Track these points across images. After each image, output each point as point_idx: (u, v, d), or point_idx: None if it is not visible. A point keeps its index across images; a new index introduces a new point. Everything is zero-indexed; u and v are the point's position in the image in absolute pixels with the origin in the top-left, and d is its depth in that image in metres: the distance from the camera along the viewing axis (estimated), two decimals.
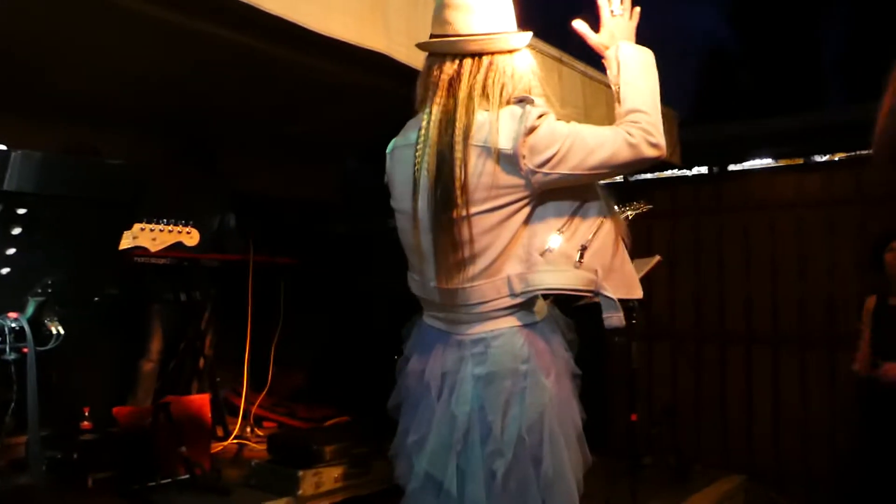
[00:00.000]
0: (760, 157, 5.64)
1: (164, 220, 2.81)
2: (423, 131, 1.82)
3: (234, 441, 4.32)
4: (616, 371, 5.17)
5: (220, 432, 4.36)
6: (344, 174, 6.15)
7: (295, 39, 2.94)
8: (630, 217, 3.68)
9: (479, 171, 1.71)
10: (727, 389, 5.47)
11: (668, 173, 5.81)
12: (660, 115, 1.79)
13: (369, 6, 2.83)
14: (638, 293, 1.79)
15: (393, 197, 1.95)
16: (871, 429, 3.93)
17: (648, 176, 5.91)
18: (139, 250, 2.79)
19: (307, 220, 5.87)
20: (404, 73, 3.06)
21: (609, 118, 4.30)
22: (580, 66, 4.11)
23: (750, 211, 5.43)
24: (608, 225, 1.82)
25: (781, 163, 5.60)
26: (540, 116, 1.73)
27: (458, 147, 1.72)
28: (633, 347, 3.79)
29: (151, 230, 2.75)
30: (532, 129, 1.70)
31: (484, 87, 1.78)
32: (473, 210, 1.72)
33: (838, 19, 13.80)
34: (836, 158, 5.45)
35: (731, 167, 5.79)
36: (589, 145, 1.73)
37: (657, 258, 3.83)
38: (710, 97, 14.04)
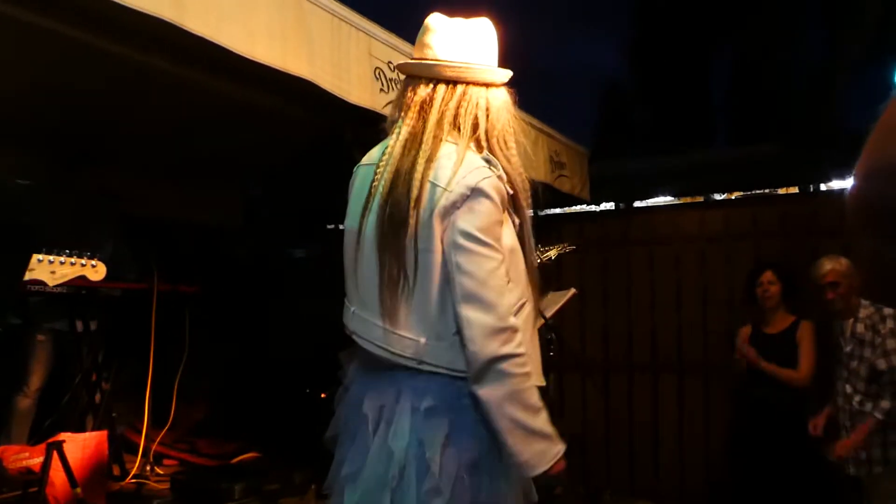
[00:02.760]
0: (664, 194, 5.86)
1: (67, 252, 2.59)
2: (388, 149, 1.78)
3: (133, 481, 4.08)
4: None
5: (116, 471, 4.11)
6: (247, 198, 5.98)
7: (202, 61, 2.85)
8: (553, 257, 3.73)
9: (429, 204, 1.67)
10: (634, 417, 5.59)
11: (577, 208, 5.95)
12: None
13: (293, 32, 2.78)
14: (541, 382, 1.72)
15: (346, 215, 1.87)
16: (745, 442, 4.22)
17: (558, 211, 6.03)
18: (35, 284, 2.56)
19: (210, 246, 5.68)
20: (316, 100, 3.03)
21: (525, 155, 4.44)
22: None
23: (655, 245, 5.61)
24: (528, 308, 1.74)
25: (684, 200, 5.83)
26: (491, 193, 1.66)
27: (419, 169, 1.68)
28: (551, 379, 3.82)
29: (51, 262, 2.52)
30: (480, 193, 1.65)
31: (455, 116, 1.75)
32: (419, 242, 1.66)
33: (724, 63, 14.64)
34: (734, 197, 5.73)
35: (637, 203, 5.98)
36: (487, 280, 1.61)
37: (572, 291, 3.90)
38: (610, 132, 14.60)
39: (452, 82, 1.78)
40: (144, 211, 4.91)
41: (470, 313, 1.59)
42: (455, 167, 1.67)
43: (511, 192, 1.76)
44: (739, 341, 4.31)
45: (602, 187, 5.72)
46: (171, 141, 4.50)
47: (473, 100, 1.78)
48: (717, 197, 5.80)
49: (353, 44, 3.12)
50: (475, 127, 1.77)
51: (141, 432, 4.29)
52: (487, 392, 1.58)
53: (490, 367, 1.57)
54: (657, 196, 5.92)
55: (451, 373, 1.65)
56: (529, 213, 1.82)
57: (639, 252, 5.66)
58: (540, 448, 1.60)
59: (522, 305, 1.70)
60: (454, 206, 1.64)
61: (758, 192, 5.69)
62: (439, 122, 1.74)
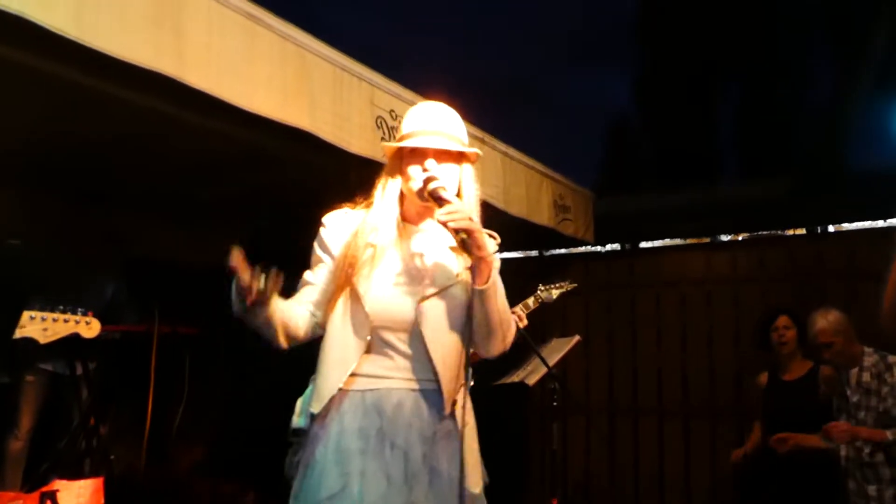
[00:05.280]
0: (670, 234, 5.83)
1: (60, 308, 2.56)
2: None
3: None
4: (535, 447, 5.15)
5: None
6: (251, 240, 5.95)
7: (206, 106, 2.85)
8: (555, 297, 3.71)
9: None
10: (640, 463, 5.51)
11: (582, 249, 5.93)
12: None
13: (294, 84, 2.80)
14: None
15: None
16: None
17: (562, 251, 6.01)
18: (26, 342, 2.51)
19: (211, 288, 5.65)
20: (320, 143, 3.03)
21: (528, 198, 4.46)
22: (501, 145, 4.18)
23: (661, 287, 5.57)
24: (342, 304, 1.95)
25: (690, 241, 5.80)
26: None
27: None
28: (554, 429, 3.77)
29: (43, 319, 2.49)
30: None
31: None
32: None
33: (731, 99, 14.70)
34: (740, 238, 5.70)
35: (643, 244, 5.95)
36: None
37: (576, 339, 3.86)
38: (616, 169, 14.61)
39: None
40: (146, 252, 4.90)
41: None
42: None
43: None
44: (755, 388, 4.19)
45: (607, 227, 5.69)
46: (174, 184, 4.50)
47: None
48: (724, 238, 5.77)
49: (354, 93, 3.14)
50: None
51: (139, 473, 4.24)
52: None
53: None
54: (663, 237, 5.89)
55: None
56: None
57: (644, 294, 5.62)
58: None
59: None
60: None
61: (765, 233, 5.66)
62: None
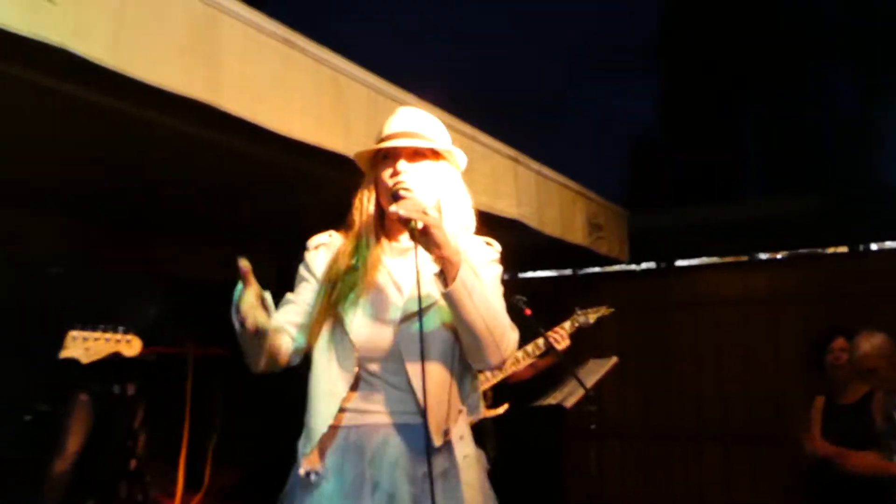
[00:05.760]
0: (706, 253, 5.75)
1: (101, 327, 2.60)
2: None
3: None
4: (571, 471, 5.07)
5: None
6: (284, 260, 5.99)
7: (242, 129, 2.86)
8: (592, 321, 3.66)
9: None
10: (676, 489, 5.39)
11: (617, 267, 5.86)
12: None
13: (329, 107, 2.80)
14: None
15: None
16: None
17: (596, 270, 5.95)
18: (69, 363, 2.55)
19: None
20: (356, 167, 3.02)
21: (562, 217, 4.41)
22: (534, 164, 4.15)
23: (697, 307, 5.48)
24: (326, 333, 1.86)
25: (727, 259, 5.71)
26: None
27: None
28: (592, 456, 3.71)
29: (85, 339, 2.53)
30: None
31: None
32: None
33: (756, 115, 14.54)
34: (779, 256, 5.59)
35: (679, 262, 5.87)
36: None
37: (614, 360, 3.80)
38: (645, 186, 14.50)
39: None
40: (181, 274, 4.94)
41: None
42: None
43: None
44: (813, 419, 4.06)
45: (642, 244, 5.62)
46: (210, 206, 4.54)
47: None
48: (762, 256, 5.66)
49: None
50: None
51: (175, 497, 4.24)
52: None
53: None
54: (699, 255, 5.80)
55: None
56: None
57: (680, 314, 5.54)
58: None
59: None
60: None
61: (804, 251, 5.54)
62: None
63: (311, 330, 1.79)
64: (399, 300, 1.75)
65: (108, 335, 2.63)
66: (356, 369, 1.71)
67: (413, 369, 1.68)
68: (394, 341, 1.71)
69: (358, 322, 1.72)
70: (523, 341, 3.51)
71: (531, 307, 3.42)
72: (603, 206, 5.04)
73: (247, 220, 4.80)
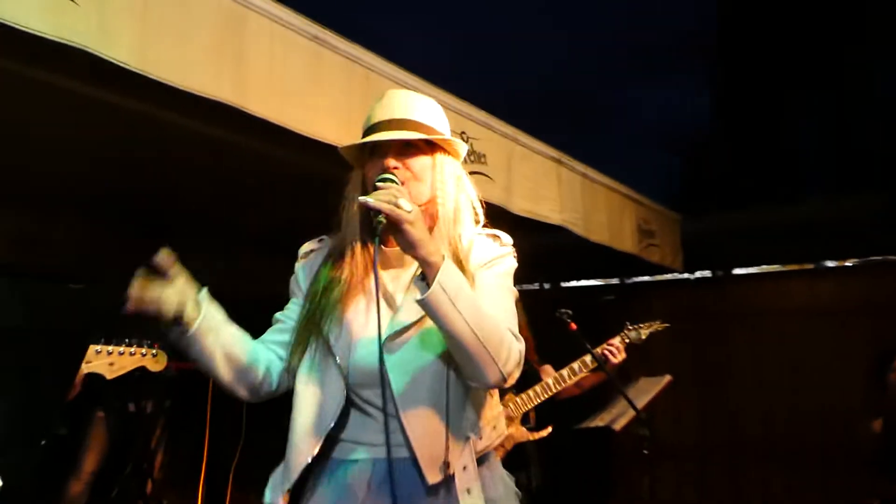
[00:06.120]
0: (767, 260, 5.68)
1: (126, 341, 2.65)
2: None
3: None
4: (621, 497, 5.05)
5: None
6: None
7: (268, 131, 2.91)
8: (644, 338, 3.64)
9: None
10: None
11: (668, 276, 5.82)
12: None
13: (359, 108, 2.81)
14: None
15: None
16: None
17: (645, 278, 5.92)
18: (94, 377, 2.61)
19: (266, 321, 5.74)
20: None
21: (610, 223, 4.40)
22: (579, 166, 4.14)
23: (757, 318, 5.42)
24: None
25: (790, 267, 5.64)
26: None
27: None
28: (644, 482, 3.69)
29: (109, 353, 2.57)
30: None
31: None
32: None
33: (818, 106, 14.32)
34: (848, 264, 5.51)
35: (737, 271, 5.82)
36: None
37: (667, 378, 3.77)
38: (699, 188, 14.36)
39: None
40: (208, 286, 4.98)
41: None
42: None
43: None
44: (867, 438, 4.00)
45: (695, 251, 5.57)
46: (237, 214, 4.60)
47: None
48: (829, 264, 5.58)
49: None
50: None
51: None
52: None
53: None
54: (759, 263, 5.74)
55: None
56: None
57: (739, 327, 5.48)
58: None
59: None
60: None
61: (876, 258, 5.45)
62: None
63: (292, 351, 1.71)
64: (390, 315, 1.65)
65: (132, 349, 2.68)
66: (345, 396, 1.60)
67: (401, 395, 1.58)
68: (382, 360, 1.56)
69: (344, 342, 1.62)
70: (569, 357, 3.51)
71: (576, 321, 3.42)
72: (654, 210, 5.01)
73: (275, 229, 4.85)
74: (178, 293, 1.61)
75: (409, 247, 1.51)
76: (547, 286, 6.70)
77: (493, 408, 1.76)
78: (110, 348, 2.61)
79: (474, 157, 3.37)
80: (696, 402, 5.57)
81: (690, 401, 5.56)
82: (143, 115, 2.94)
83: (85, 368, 2.53)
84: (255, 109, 2.48)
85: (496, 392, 1.77)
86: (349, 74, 2.83)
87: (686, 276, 5.83)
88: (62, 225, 4.22)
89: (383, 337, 1.57)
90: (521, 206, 3.65)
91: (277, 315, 1.81)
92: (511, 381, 1.62)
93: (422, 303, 1.50)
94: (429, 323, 1.59)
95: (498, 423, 1.75)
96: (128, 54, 2.09)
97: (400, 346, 1.62)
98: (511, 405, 3.36)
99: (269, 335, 1.78)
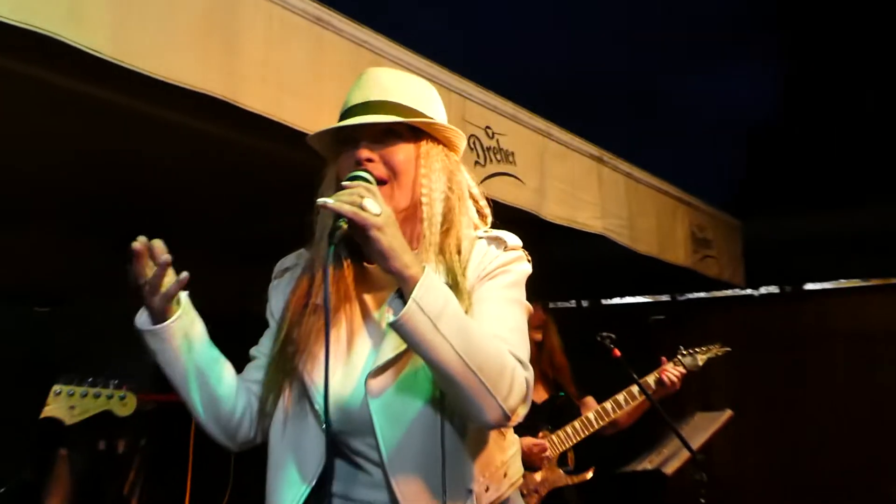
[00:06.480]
0: (845, 274, 5.67)
1: (90, 381, 2.65)
2: None
3: None
4: None
5: None
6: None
7: (265, 128, 2.95)
8: (701, 364, 3.66)
9: None
10: None
11: (728, 292, 5.83)
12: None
13: None
14: None
15: None
16: None
17: (701, 295, 5.92)
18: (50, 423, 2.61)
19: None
20: None
21: (659, 231, 4.42)
22: (623, 165, 4.17)
23: (836, 341, 5.42)
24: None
25: (873, 282, 5.63)
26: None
27: None
28: None
29: (70, 394, 2.58)
30: None
31: None
32: None
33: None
34: None
35: (809, 286, 5.81)
36: None
37: (727, 414, 3.79)
38: (764, 189, 14.27)
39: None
40: (198, 302, 5.03)
41: None
42: None
43: None
44: None
45: (760, 263, 5.57)
46: (227, 221, 4.65)
47: None
48: None
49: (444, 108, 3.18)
50: None
51: None
52: None
53: None
54: (835, 276, 5.73)
55: None
56: None
57: (813, 350, 5.47)
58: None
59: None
60: None
61: None
62: None
63: (265, 394, 1.66)
64: (373, 346, 1.61)
65: (97, 390, 2.70)
66: (327, 445, 1.51)
67: (389, 446, 1.54)
68: (364, 403, 1.55)
69: (322, 381, 1.47)
70: (612, 388, 3.53)
71: (620, 346, 3.44)
72: (710, 215, 5.03)
73: (270, 238, 4.89)
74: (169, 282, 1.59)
75: (380, 258, 1.45)
76: (585, 304, 6.71)
77: (505, 449, 1.72)
78: (71, 388, 2.62)
79: (501, 155, 3.40)
80: (761, 440, 5.57)
81: (755, 439, 5.56)
82: (121, 110, 3.00)
83: (44, 412, 2.56)
84: (248, 103, 2.51)
85: (509, 429, 1.71)
86: (356, 61, 2.86)
87: (749, 292, 5.84)
88: (25, 239, 4.29)
89: (363, 374, 1.55)
90: (554, 212, 3.68)
91: (253, 350, 1.79)
92: (517, 419, 1.55)
93: (395, 326, 1.43)
94: (407, 360, 1.56)
95: (511, 467, 1.72)
96: (103, 41, 2.13)
97: (385, 385, 1.56)
98: (546, 443, 3.38)
99: (248, 373, 1.75)
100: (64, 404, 2.59)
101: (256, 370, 1.72)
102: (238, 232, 4.89)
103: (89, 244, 4.48)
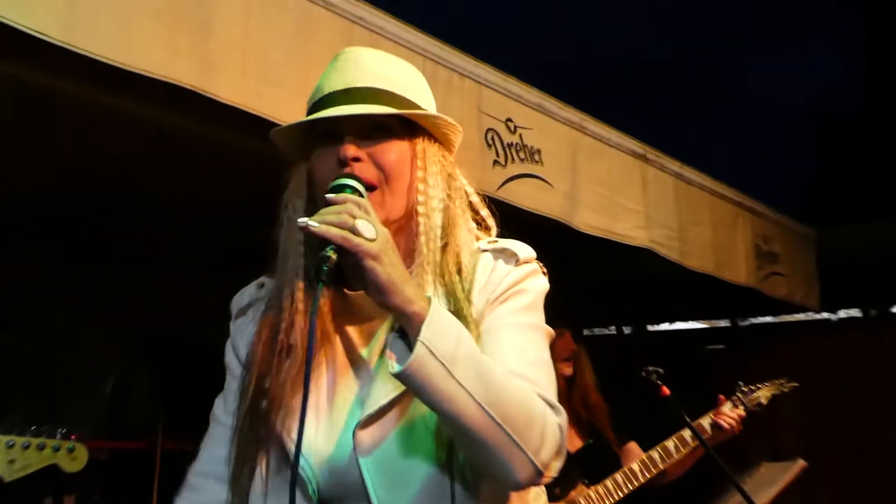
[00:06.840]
0: None
1: (33, 430, 2.63)
2: None
3: None
4: None
5: None
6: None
7: (242, 121, 2.96)
8: (765, 403, 3.64)
9: None
10: None
11: (800, 316, 5.81)
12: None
13: None
14: None
15: None
16: None
17: (768, 319, 5.90)
18: None
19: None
20: None
21: (716, 243, 4.40)
22: (673, 164, 4.15)
23: None
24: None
25: None
26: None
27: None
28: None
29: (10, 445, 2.56)
30: None
31: None
32: None
33: None
34: None
35: None
36: None
37: (800, 464, 3.77)
38: (834, 191, 14.26)
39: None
40: (159, 324, 5.06)
41: None
42: None
43: None
44: None
45: (838, 281, 5.54)
46: (195, 231, 4.65)
47: None
48: None
49: (455, 97, 3.18)
50: None
51: None
52: None
53: None
54: None
55: None
56: None
57: None
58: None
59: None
60: None
61: None
62: None
63: (235, 468, 1.58)
64: (360, 391, 1.56)
65: (41, 440, 2.68)
66: None
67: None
68: (353, 464, 1.48)
69: (306, 442, 1.40)
70: (661, 433, 3.50)
71: (669, 382, 3.41)
72: (778, 223, 5.00)
73: (246, 250, 4.90)
74: None
75: (377, 292, 1.40)
76: (627, 331, 6.70)
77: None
78: (10, 439, 2.60)
79: (525, 153, 3.39)
80: (841, 492, 5.54)
81: (834, 491, 5.53)
82: (77, 104, 3.01)
83: None
84: (223, 94, 2.51)
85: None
86: (350, 42, 2.86)
87: (825, 315, 5.81)
88: None
89: (351, 425, 1.49)
90: (589, 220, 3.65)
91: (216, 410, 1.71)
92: (550, 475, 1.48)
93: (402, 377, 1.37)
94: (404, 408, 1.50)
95: None
96: (52, 23, 2.13)
97: (379, 438, 1.50)
98: (582, 501, 3.36)
99: (210, 449, 1.68)
100: (2, 458, 2.57)
101: (223, 442, 1.63)
102: (199, 245, 4.90)
103: (36, 262, 4.51)
